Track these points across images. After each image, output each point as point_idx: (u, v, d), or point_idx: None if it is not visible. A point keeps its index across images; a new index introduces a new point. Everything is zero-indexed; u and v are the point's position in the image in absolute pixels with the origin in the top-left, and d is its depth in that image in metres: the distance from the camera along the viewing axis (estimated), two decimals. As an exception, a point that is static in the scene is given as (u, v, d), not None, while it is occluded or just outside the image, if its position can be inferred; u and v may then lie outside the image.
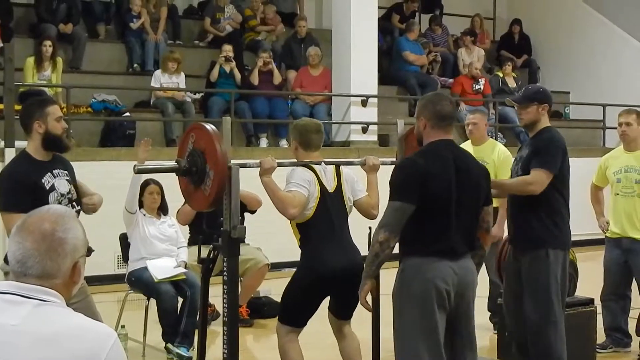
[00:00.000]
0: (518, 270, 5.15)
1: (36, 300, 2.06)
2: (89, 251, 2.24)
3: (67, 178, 4.65)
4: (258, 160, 4.66)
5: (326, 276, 4.71)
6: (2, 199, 4.47)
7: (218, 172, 4.15)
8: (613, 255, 6.51)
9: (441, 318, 4.08)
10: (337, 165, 5.01)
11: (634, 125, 6.41)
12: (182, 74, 11.09)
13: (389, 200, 4.07)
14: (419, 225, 4.04)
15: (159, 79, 10.95)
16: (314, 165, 4.83)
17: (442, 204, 4.05)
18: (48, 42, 10.16)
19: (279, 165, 4.67)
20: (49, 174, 4.53)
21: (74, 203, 4.69)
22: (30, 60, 10.13)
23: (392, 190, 4.09)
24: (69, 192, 4.61)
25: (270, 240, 8.38)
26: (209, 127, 4.33)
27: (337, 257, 4.73)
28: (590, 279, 6.87)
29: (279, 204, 4.61)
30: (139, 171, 4.60)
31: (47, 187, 4.50)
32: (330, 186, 4.84)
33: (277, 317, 7.68)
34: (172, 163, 4.52)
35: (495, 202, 6.94)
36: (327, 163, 4.94)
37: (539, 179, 4.99)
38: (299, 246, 4.89)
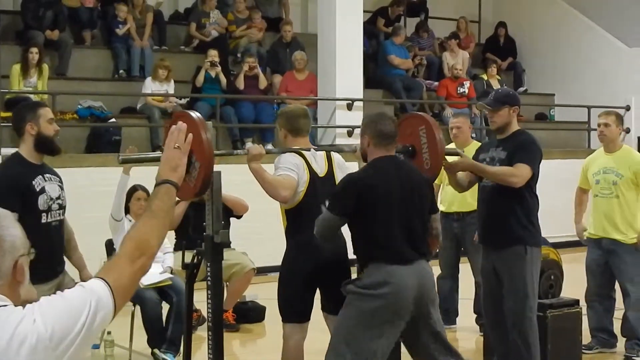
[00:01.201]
0: (494, 270, 5.26)
1: None
2: (30, 252, 2.20)
3: (59, 184, 4.73)
4: (245, 149, 4.70)
5: (312, 262, 4.70)
6: None
7: (204, 162, 4.06)
8: (594, 256, 6.55)
9: (392, 335, 4.34)
10: (328, 151, 5.01)
11: (612, 127, 6.46)
12: (172, 82, 11.09)
13: (325, 209, 4.42)
14: (369, 235, 4.33)
15: (150, 86, 10.94)
16: (303, 151, 4.80)
17: (386, 214, 4.31)
18: (34, 49, 10.14)
19: (267, 153, 4.66)
20: (40, 176, 4.60)
21: (64, 210, 4.77)
22: (17, 67, 10.10)
23: (329, 201, 4.44)
24: (59, 197, 4.68)
25: (256, 244, 8.39)
26: (195, 114, 4.27)
27: (330, 245, 4.70)
28: (576, 280, 6.91)
29: (270, 188, 4.59)
30: (123, 161, 4.61)
31: (38, 189, 4.55)
32: (321, 171, 4.82)
33: (263, 321, 7.80)
34: (157, 153, 4.53)
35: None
36: (317, 149, 4.92)
37: (523, 173, 5.07)
38: (285, 233, 4.87)
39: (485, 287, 5.45)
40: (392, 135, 4.48)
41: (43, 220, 4.62)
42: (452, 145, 7.27)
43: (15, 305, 2.01)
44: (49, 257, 4.61)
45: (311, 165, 4.78)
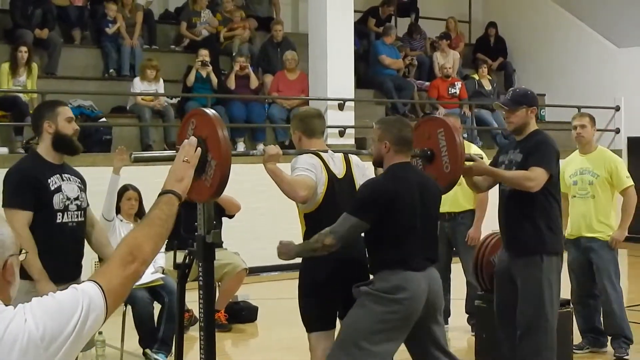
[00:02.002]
0: (509, 272, 5.16)
1: None
2: (21, 253, 2.17)
3: (79, 185, 4.63)
4: (262, 149, 4.49)
5: (333, 267, 4.53)
6: (6, 195, 4.49)
7: (221, 160, 3.89)
8: (574, 256, 6.58)
9: (400, 339, 4.32)
10: (346, 153, 4.86)
11: (587, 127, 6.52)
12: (161, 81, 11.06)
13: (347, 213, 4.29)
14: (386, 241, 4.28)
15: (138, 87, 10.91)
16: (320, 152, 4.65)
17: (407, 221, 4.28)
18: (23, 48, 10.09)
19: (284, 154, 4.51)
20: (58, 175, 4.51)
21: (83, 212, 4.66)
22: (5, 66, 10.05)
23: (353, 205, 4.33)
24: (77, 198, 4.58)
25: (248, 244, 8.38)
26: (211, 112, 4.07)
27: (349, 250, 4.47)
28: (567, 281, 6.91)
29: (288, 188, 4.42)
30: (135, 159, 4.25)
31: (52, 188, 4.46)
32: (339, 172, 4.66)
33: (256, 321, 7.78)
34: (170, 152, 4.18)
35: (472, 204, 7.05)
36: (334, 152, 4.76)
37: (539, 177, 4.92)
38: (303, 237, 4.67)
39: (498, 288, 5.30)
40: (411, 141, 4.43)
41: (58, 220, 4.53)
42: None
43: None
44: (62, 258, 4.53)
45: (329, 166, 4.63)
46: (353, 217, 4.27)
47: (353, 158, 4.82)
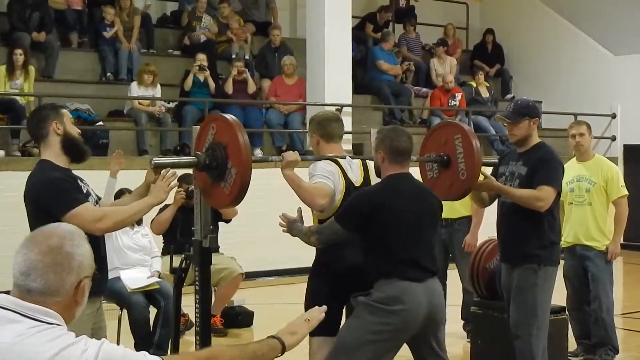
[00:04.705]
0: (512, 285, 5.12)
1: (33, 320, 2.02)
2: (94, 274, 2.20)
3: (91, 188, 4.22)
4: (281, 155, 4.48)
5: (342, 273, 4.50)
6: (57, 202, 3.86)
7: (241, 168, 3.89)
8: (570, 264, 6.58)
9: (394, 351, 4.29)
10: (364, 159, 4.83)
11: (586, 136, 6.53)
12: (158, 86, 11.06)
13: (334, 218, 4.31)
14: (381, 252, 4.22)
15: (135, 91, 10.92)
16: (338, 159, 4.62)
17: (398, 232, 4.22)
18: (19, 51, 10.09)
19: (302, 160, 4.48)
20: (79, 180, 4.10)
21: None
22: (2, 69, 10.05)
23: (338, 212, 4.36)
24: (97, 202, 4.20)
25: (245, 249, 8.37)
26: (230, 117, 4.07)
27: (356, 255, 4.42)
28: (562, 288, 6.91)
29: (307, 196, 4.38)
30: (156, 165, 4.12)
31: (85, 192, 4.06)
32: (357, 180, 4.63)
33: (252, 326, 7.78)
34: (191, 158, 4.24)
35: (468, 211, 7.05)
36: (352, 157, 4.74)
37: (549, 197, 4.91)
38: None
39: (508, 302, 5.23)
40: (407, 151, 4.34)
41: None
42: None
43: (67, 323, 2.08)
44: (100, 269, 3.88)
45: (347, 173, 4.59)
46: (336, 223, 4.27)
47: (371, 165, 4.75)
